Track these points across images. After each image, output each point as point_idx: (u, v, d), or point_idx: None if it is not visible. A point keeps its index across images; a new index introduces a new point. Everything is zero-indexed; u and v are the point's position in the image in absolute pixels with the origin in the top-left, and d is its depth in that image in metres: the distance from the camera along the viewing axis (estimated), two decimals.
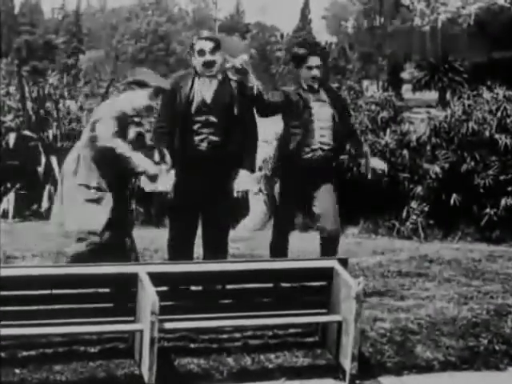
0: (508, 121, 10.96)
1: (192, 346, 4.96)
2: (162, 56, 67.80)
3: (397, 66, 59.40)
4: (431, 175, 10.45)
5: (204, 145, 5.50)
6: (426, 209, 10.42)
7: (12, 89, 11.70)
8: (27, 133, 10.35)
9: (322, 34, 73.17)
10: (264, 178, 10.28)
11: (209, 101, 5.53)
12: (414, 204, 10.44)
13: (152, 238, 7.77)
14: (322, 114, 5.90)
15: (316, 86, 5.93)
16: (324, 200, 5.93)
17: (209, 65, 5.50)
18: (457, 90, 13.92)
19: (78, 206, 5.08)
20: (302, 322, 5.11)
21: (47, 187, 9.86)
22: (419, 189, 10.55)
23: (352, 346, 4.72)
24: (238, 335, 5.10)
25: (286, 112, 5.93)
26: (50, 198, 9.73)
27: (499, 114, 10.96)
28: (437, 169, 10.46)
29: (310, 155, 5.86)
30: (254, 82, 5.58)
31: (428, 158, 10.70)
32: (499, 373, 5.17)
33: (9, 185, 9.93)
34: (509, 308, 6.00)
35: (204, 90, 5.53)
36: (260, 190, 10.22)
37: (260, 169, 10.59)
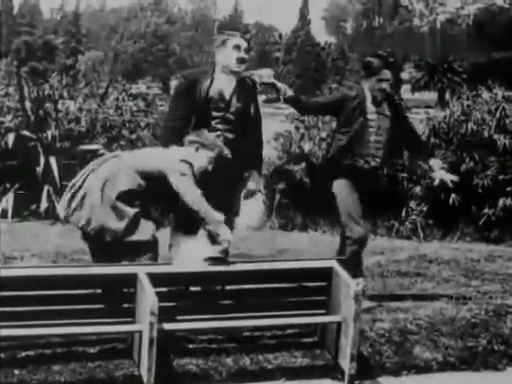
0: (507, 121, 10.99)
1: (191, 346, 4.96)
2: (161, 57, 67.84)
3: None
4: (430, 175, 10.45)
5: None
6: (425, 209, 10.44)
7: (11, 89, 11.70)
8: (26, 133, 10.34)
9: (322, 35, 73.28)
10: (263, 178, 10.28)
11: (227, 98, 5.55)
12: (413, 204, 10.45)
13: None
14: (380, 127, 5.82)
15: (380, 98, 5.83)
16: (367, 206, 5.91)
17: (241, 61, 5.52)
18: (456, 91, 13.95)
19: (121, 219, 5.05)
20: (301, 322, 5.11)
21: (46, 187, 9.85)
22: (418, 189, 10.56)
23: (351, 346, 4.72)
24: (236, 335, 5.10)
25: (338, 115, 5.88)
26: (49, 198, 9.74)
27: (498, 114, 10.98)
28: None
29: (366, 166, 5.79)
30: (281, 87, 5.61)
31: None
32: (498, 373, 5.17)
33: (8, 185, 9.93)
34: (508, 308, 6.00)
35: (224, 87, 5.54)
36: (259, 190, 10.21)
37: None
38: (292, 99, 5.67)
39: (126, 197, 5.01)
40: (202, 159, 5.19)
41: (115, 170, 5.09)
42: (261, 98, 5.95)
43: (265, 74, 5.61)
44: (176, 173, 5.04)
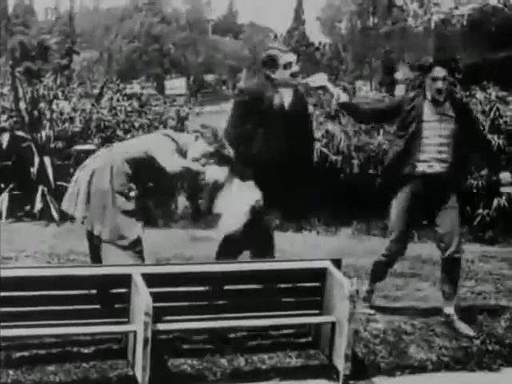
0: (501, 121, 10.98)
1: (185, 346, 4.96)
2: (155, 56, 67.73)
3: (390, 67, 59.48)
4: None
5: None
6: None
7: (5, 89, 11.67)
8: (20, 133, 10.31)
9: (317, 35, 73.25)
10: None
11: (288, 109, 5.56)
12: None
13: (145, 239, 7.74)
14: (442, 129, 5.51)
15: (441, 99, 5.53)
16: (447, 219, 5.78)
17: (296, 74, 5.58)
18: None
19: (112, 214, 5.04)
20: (296, 322, 5.11)
21: (40, 188, 9.82)
22: None
23: (345, 346, 4.73)
24: (231, 336, 5.10)
25: (395, 121, 5.77)
26: (43, 199, 9.72)
27: (492, 114, 10.98)
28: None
29: (429, 171, 5.54)
30: (335, 92, 5.64)
31: None
32: (492, 373, 5.18)
33: (2, 185, 9.90)
34: (502, 308, 6.01)
35: (285, 99, 5.57)
36: None
37: None
38: (346, 105, 5.65)
39: (121, 189, 5.01)
40: (197, 149, 5.17)
41: (104, 161, 5.10)
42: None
43: (319, 78, 5.65)
44: (157, 147, 5.06)
